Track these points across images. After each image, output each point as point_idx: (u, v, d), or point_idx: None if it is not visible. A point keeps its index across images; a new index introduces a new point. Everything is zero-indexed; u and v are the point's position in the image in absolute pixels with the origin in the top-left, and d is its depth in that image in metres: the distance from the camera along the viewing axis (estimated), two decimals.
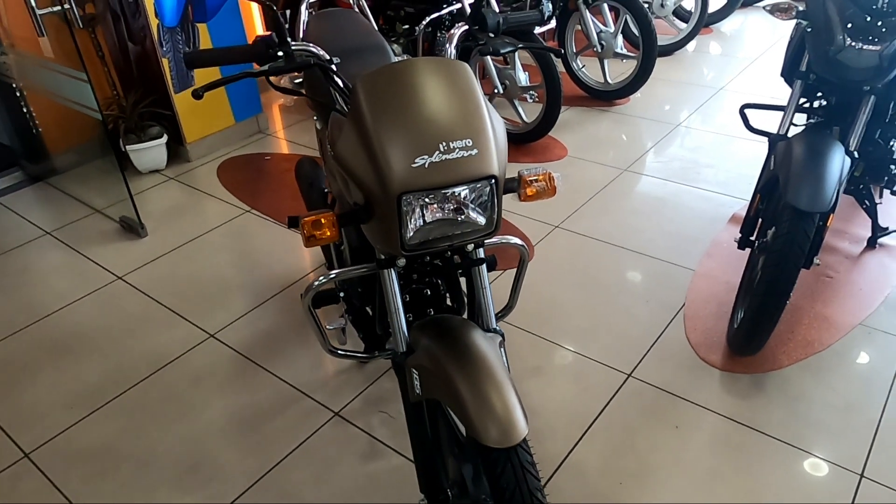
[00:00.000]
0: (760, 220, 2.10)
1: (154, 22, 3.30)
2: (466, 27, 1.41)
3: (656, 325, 2.33)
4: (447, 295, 1.65)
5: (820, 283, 2.45)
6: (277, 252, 2.87)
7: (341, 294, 1.92)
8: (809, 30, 1.87)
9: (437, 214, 1.18)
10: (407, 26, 3.65)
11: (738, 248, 2.18)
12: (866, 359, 2.14)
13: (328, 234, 1.22)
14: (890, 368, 2.10)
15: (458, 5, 3.44)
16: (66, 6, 2.55)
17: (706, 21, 4.77)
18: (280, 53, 1.29)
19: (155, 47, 3.36)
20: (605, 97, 4.09)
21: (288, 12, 4.35)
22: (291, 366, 2.26)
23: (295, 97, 4.47)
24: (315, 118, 2.15)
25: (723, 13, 5.23)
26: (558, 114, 3.44)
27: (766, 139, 2.20)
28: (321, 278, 1.52)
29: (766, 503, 1.73)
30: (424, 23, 3.40)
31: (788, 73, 2.15)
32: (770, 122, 2.35)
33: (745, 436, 1.91)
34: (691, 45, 4.89)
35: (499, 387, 1.16)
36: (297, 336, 2.39)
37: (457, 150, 1.14)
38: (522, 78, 3.49)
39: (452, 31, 1.40)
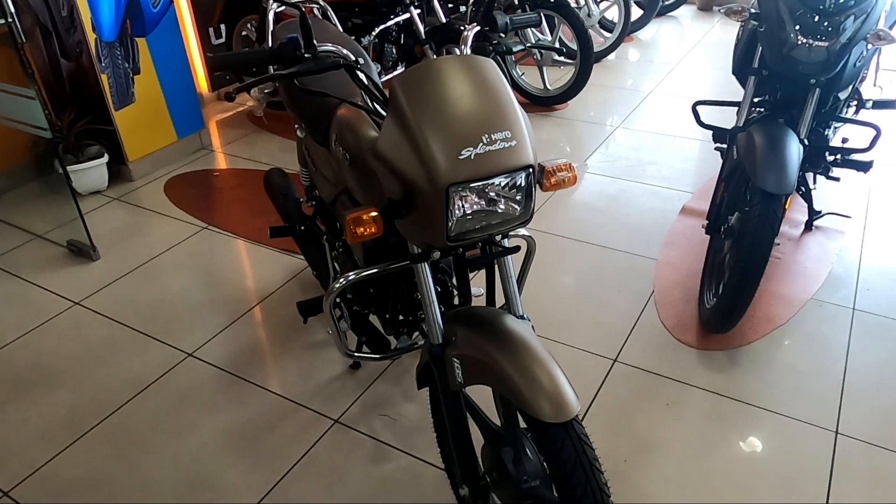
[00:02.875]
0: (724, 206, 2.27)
1: (92, 37, 3.17)
2: (479, 27, 1.47)
3: (631, 313, 2.45)
4: (454, 290, 1.69)
5: (771, 264, 2.65)
6: (245, 266, 2.81)
7: (338, 300, 1.92)
8: (762, 29, 2.05)
9: (476, 206, 1.23)
10: (353, 37, 3.67)
11: (707, 233, 2.34)
12: (821, 328, 2.34)
13: (373, 229, 1.24)
14: (843, 335, 2.31)
15: (406, 16, 3.50)
16: (10, 20, 2.42)
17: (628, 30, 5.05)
18: (308, 55, 1.30)
19: (92, 63, 3.22)
20: (545, 103, 4.24)
21: (223, 27, 4.28)
22: (280, 377, 2.22)
23: (232, 112, 4.38)
24: (296, 127, 2.14)
25: (641, 22, 5.55)
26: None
27: (704, 136, 2.37)
28: (341, 280, 1.52)
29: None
30: (374, 34, 3.44)
31: (740, 70, 2.33)
32: (716, 117, 2.54)
33: (729, 406, 2.05)
34: (615, 53, 5.15)
35: (546, 366, 1.22)
36: (281, 348, 2.35)
37: (498, 141, 1.19)
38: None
39: (465, 32, 1.46)
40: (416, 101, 1.20)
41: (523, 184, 1.23)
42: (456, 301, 1.76)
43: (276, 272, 2.76)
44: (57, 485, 1.89)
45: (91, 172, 3.37)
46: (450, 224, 1.20)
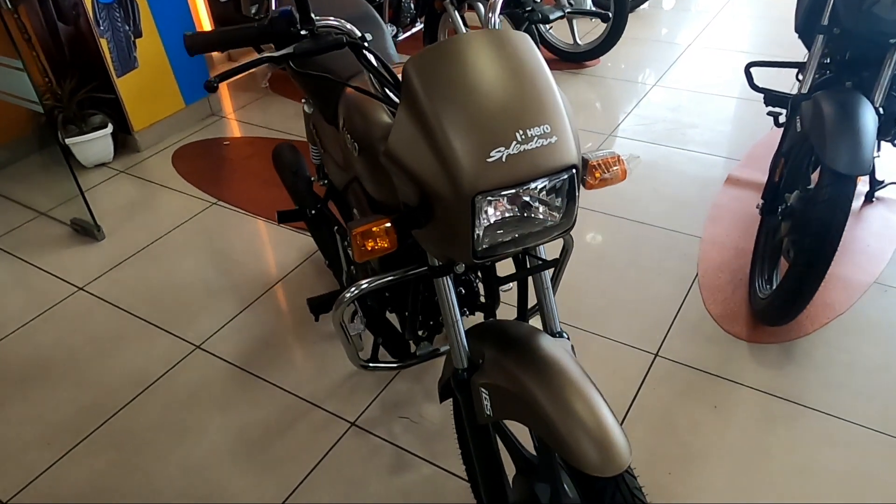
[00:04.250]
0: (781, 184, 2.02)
1: None
2: None
3: (673, 299, 2.24)
4: (479, 292, 1.50)
5: None
6: (256, 247, 2.64)
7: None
8: None
9: (507, 213, 1.02)
10: None
11: (761, 215, 2.10)
12: (887, 316, 2.11)
13: (385, 244, 1.04)
14: None
15: None
16: None
17: None
18: (304, 32, 1.08)
19: (91, 27, 3.01)
20: (575, 59, 3.95)
21: None
22: (294, 374, 2.07)
23: (244, 73, 4.15)
24: (304, 101, 1.93)
25: None
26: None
27: (749, 94, 2.10)
28: (353, 290, 1.34)
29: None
30: None
31: (805, 27, 2.05)
32: (769, 79, 2.26)
33: (784, 409, 1.85)
34: (648, 2, 4.79)
35: (592, 405, 1.03)
36: (294, 340, 2.19)
37: (535, 138, 0.98)
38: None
39: None
40: (435, 89, 0.99)
41: (566, 187, 1.02)
42: (482, 300, 1.57)
43: (289, 253, 2.59)
44: (57, 494, 1.77)
45: (95, 144, 3.20)
46: (476, 237, 1.00)
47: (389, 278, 1.34)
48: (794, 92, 2.08)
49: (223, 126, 3.60)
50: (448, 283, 1.18)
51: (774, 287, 2.06)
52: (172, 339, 2.23)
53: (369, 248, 1.04)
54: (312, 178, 2.21)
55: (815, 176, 1.97)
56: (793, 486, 1.66)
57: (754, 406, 1.87)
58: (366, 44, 1.12)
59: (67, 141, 3.11)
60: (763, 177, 2.81)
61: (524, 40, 1.05)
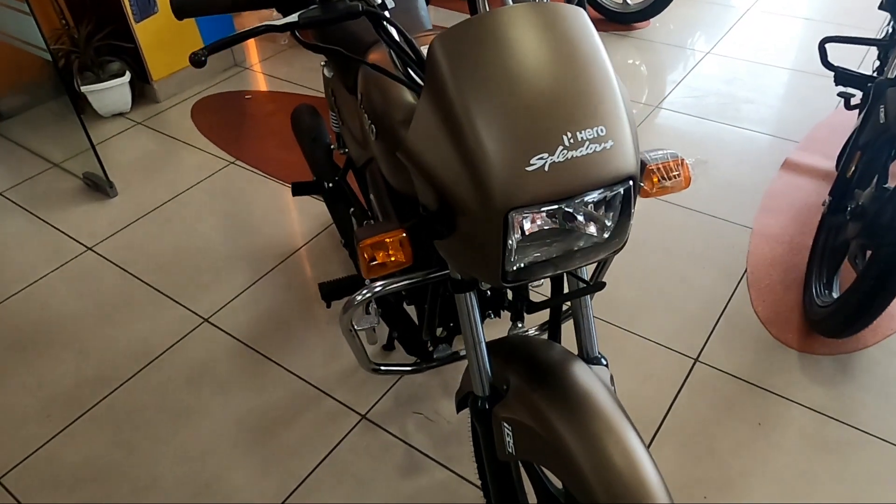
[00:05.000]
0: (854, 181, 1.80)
1: None
2: None
3: (718, 297, 2.05)
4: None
5: None
6: (271, 213, 2.50)
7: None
8: None
9: (546, 226, 0.85)
10: None
11: (827, 213, 1.88)
12: None
13: (400, 257, 0.88)
14: None
15: None
16: None
17: None
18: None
19: None
20: (623, 20, 3.66)
21: None
22: (304, 357, 1.95)
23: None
24: (323, 64, 1.74)
25: None
26: None
27: (815, 68, 1.86)
28: (365, 292, 1.18)
29: None
30: None
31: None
32: (842, 56, 2.00)
33: (836, 432, 1.68)
34: None
35: (631, 457, 0.87)
36: (305, 320, 2.06)
37: (587, 142, 0.80)
38: None
39: None
40: (466, 75, 0.80)
41: (620, 201, 0.84)
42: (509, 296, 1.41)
43: (306, 222, 2.44)
44: (52, 473, 1.69)
45: (112, 92, 3.05)
46: (507, 257, 0.83)
47: (407, 281, 1.18)
48: (869, 72, 1.84)
49: (246, 78, 3.42)
50: (472, 299, 1.02)
51: (835, 294, 1.86)
52: (180, 310, 2.12)
53: (380, 260, 0.87)
54: (332, 146, 2.04)
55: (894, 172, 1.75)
56: None
57: (802, 426, 1.70)
58: (386, 12, 0.93)
59: (83, 88, 2.98)
60: (825, 162, 2.57)
61: (579, 16, 0.86)
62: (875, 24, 3.07)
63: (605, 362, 1.08)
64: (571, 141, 0.79)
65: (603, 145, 0.81)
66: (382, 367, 1.43)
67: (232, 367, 1.93)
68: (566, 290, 1.08)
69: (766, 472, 1.61)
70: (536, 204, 0.79)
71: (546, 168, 0.78)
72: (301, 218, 2.46)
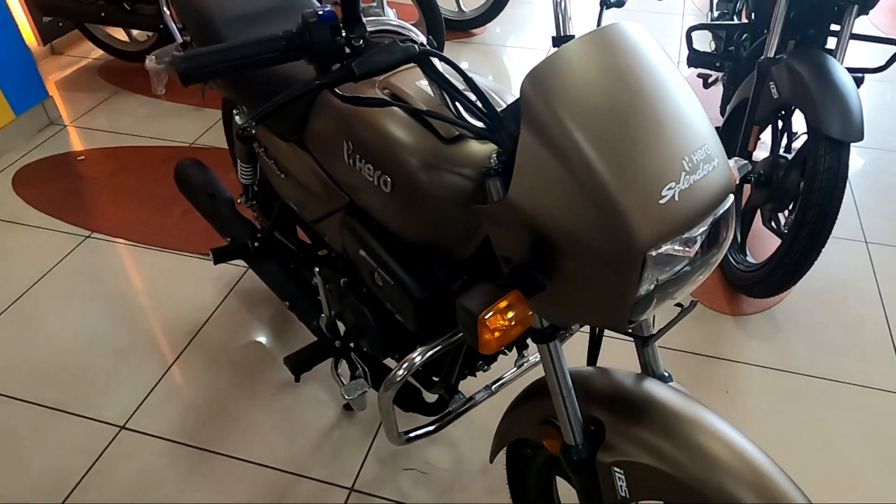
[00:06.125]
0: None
1: None
2: None
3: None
4: None
5: None
6: (158, 286, 2.18)
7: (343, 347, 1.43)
8: None
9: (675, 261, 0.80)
10: None
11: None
12: (846, 270, 2.17)
13: (520, 324, 0.77)
14: (867, 277, 2.15)
15: None
16: None
17: None
18: (358, 43, 0.76)
19: None
20: (460, 27, 3.72)
21: None
22: (258, 440, 1.72)
23: (74, 67, 3.47)
24: (236, 112, 1.54)
25: None
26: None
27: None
28: (404, 366, 1.04)
29: None
30: None
31: None
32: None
33: (788, 382, 1.83)
34: None
35: (761, 469, 0.87)
36: (244, 398, 1.82)
37: (700, 164, 0.77)
38: None
39: None
40: (573, 112, 0.73)
41: (727, 217, 0.82)
42: None
43: (204, 286, 2.16)
44: None
45: None
46: (639, 295, 0.78)
47: (444, 344, 1.06)
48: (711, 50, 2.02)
49: (68, 137, 2.97)
50: (557, 348, 0.94)
51: (750, 259, 2.03)
52: (85, 424, 1.77)
53: (502, 328, 0.76)
54: (238, 200, 1.83)
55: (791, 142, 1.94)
56: (822, 462, 1.64)
57: (760, 385, 1.82)
58: (436, 51, 0.82)
59: None
60: None
61: (646, 33, 0.82)
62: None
63: (670, 376, 1.06)
64: (690, 165, 0.75)
65: (711, 164, 0.78)
66: (412, 435, 1.28)
67: (176, 473, 1.65)
68: None
69: (755, 436, 1.70)
70: (672, 237, 0.74)
71: (676, 198, 0.74)
72: (196, 284, 2.17)
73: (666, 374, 1.06)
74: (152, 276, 2.22)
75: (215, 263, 1.70)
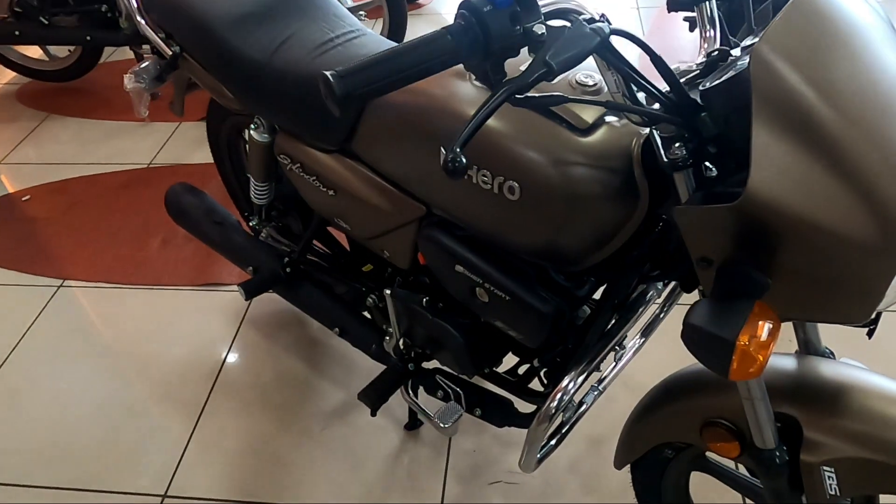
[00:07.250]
0: None
1: None
2: None
3: None
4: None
5: None
6: (158, 328, 1.95)
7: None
8: None
9: None
10: None
11: None
12: None
13: (773, 341, 0.66)
14: None
15: None
16: None
17: None
18: (540, 31, 0.61)
19: None
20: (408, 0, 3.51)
21: None
22: (322, 480, 1.56)
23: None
24: (253, 126, 1.34)
25: None
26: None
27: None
28: (558, 397, 0.91)
29: None
30: None
31: None
32: None
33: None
34: None
35: None
36: (293, 439, 1.65)
37: None
38: None
39: None
40: (826, 86, 0.62)
41: None
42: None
43: (210, 320, 1.96)
44: None
45: None
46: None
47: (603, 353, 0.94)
48: None
49: (0, 179, 2.63)
50: None
51: None
52: (121, 499, 1.56)
53: (765, 351, 0.64)
54: (252, 223, 1.64)
55: None
56: None
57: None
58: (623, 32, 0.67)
59: None
60: None
61: None
62: None
63: (831, 352, 0.98)
64: None
65: None
66: (538, 457, 1.16)
67: None
68: None
69: None
70: None
71: None
72: (200, 319, 1.96)
73: (828, 351, 0.97)
74: (147, 319, 1.99)
75: (246, 299, 1.50)
